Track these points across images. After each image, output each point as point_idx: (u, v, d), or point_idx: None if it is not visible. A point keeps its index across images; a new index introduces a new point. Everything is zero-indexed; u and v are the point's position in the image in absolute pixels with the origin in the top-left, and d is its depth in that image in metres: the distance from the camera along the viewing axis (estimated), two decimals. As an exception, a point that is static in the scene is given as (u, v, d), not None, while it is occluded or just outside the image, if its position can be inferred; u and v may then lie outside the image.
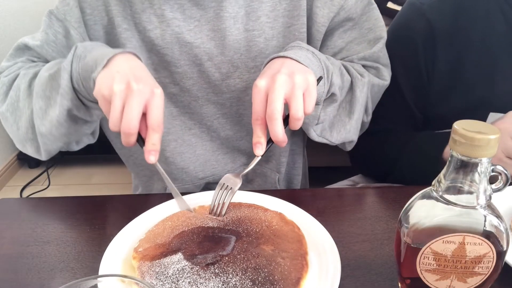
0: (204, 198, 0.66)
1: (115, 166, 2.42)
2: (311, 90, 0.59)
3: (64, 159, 2.43)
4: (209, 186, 0.86)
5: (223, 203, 0.61)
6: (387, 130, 0.88)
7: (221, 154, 0.85)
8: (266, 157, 0.86)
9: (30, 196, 2.16)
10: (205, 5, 0.74)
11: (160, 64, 0.77)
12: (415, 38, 0.83)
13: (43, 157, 0.75)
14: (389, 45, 0.82)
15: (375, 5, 0.80)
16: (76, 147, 0.77)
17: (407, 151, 0.84)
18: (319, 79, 0.65)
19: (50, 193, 2.21)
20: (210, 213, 0.61)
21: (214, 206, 0.61)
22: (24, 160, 2.44)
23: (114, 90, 0.56)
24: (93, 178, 2.36)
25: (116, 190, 2.19)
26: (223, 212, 0.60)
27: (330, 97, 0.72)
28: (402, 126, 0.89)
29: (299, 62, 0.63)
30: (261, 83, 0.58)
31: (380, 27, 0.81)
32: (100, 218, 0.66)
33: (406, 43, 0.85)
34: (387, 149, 0.88)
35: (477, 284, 0.44)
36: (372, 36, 0.81)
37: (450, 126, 0.40)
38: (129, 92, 0.55)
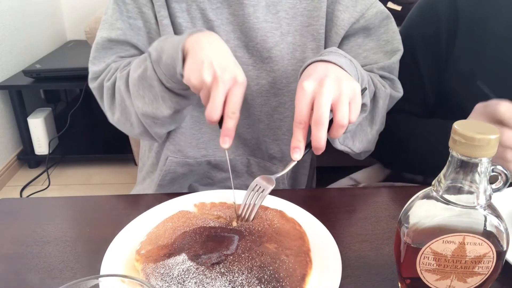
0: (205, 197, 0.66)
1: (115, 166, 2.42)
2: (357, 99, 0.59)
3: (64, 159, 2.43)
4: (208, 166, 0.87)
5: (253, 207, 0.60)
6: (397, 109, 0.87)
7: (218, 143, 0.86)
8: (272, 153, 0.86)
9: (30, 196, 2.16)
10: None
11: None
12: (440, 18, 0.83)
13: (159, 141, 0.83)
14: (412, 22, 0.83)
15: (393, 19, 0.82)
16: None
17: (415, 134, 0.83)
18: (363, 90, 0.65)
19: (50, 193, 2.21)
20: (237, 218, 0.60)
21: (243, 209, 0.60)
22: (24, 160, 2.44)
23: (205, 81, 0.60)
24: (93, 178, 2.36)
25: (116, 190, 2.19)
26: (251, 217, 0.60)
27: (361, 107, 0.72)
28: (414, 106, 0.88)
29: (342, 68, 0.63)
30: (308, 86, 0.57)
31: (397, 40, 0.82)
32: (100, 218, 0.66)
33: (430, 22, 0.85)
34: (396, 129, 0.86)
35: (477, 284, 0.44)
36: (389, 48, 0.82)
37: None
38: (215, 83, 0.59)
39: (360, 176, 1.01)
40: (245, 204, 0.60)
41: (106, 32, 0.78)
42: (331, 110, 0.57)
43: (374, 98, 0.77)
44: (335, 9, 0.78)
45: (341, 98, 0.56)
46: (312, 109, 0.57)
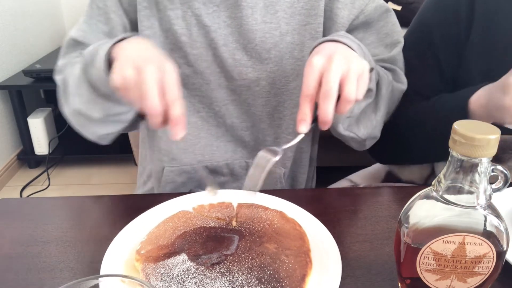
0: (204, 197, 0.66)
1: (115, 166, 2.42)
2: (365, 76, 0.59)
3: (64, 159, 2.43)
4: (205, 171, 0.86)
5: (258, 178, 0.56)
6: (410, 97, 0.85)
7: (223, 141, 0.85)
8: (277, 124, 0.86)
9: (30, 196, 2.16)
10: None
11: (177, 44, 0.78)
12: (460, 7, 0.81)
13: (103, 142, 0.78)
14: (428, 11, 0.83)
15: (393, 12, 0.82)
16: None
17: (431, 112, 0.81)
18: (370, 69, 0.65)
19: (50, 193, 2.21)
20: (244, 188, 0.57)
21: (248, 180, 0.57)
22: (24, 160, 2.44)
23: (126, 77, 0.56)
24: (93, 178, 2.36)
25: (116, 190, 2.19)
26: (257, 188, 0.56)
27: (367, 92, 0.71)
28: (430, 92, 0.85)
29: (352, 49, 0.63)
30: (317, 61, 0.57)
31: (397, 32, 0.82)
32: (100, 218, 0.66)
33: (448, 9, 0.83)
34: (410, 114, 0.85)
35: (477, 284, 0.44)
36: (389, 40, 0.82)
37: None
38: (140, 75, 0.55)
39: (358, 177, 1.01)
40: (250, 176, 0.57)
41: (74, 31, 0.79)
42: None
43: (377, 85, 0.77)
44: (334, 7, 0.78)
45: (349, 74, 0.57)
46: (320, 84, 0.56)
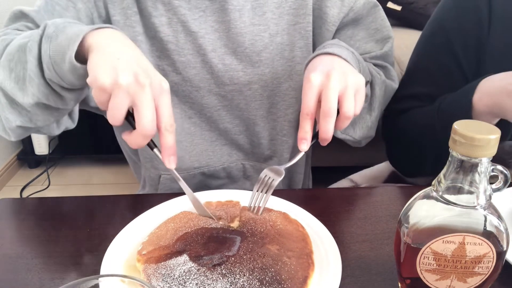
0: (207, 196, 0.66)
1: (115, 166, 2.42)
2: (361, 91, 0.60)
3: (64, 159, 2.43)
4: (203, 176, 0.86)
5: (263, 198, 0.60)
6: (423, 100, 0.84)
7: (218, 146, 0.84)
8: (268, 154, 0.86)
9: (30, 196, 2.16)
10: None
11: (164, 51, 0.76)
12: (481, 10, 0.80)
13: (12, 138, 0.68)
14: (445, 15, 0.82)
15: (381, 7, 0.81)
16: (56, 131, 0.72)
17: (438, 114, 0.79)
18: (366, 83, 0.66)
19: (50, 193, 2.21)
20: (248, 210, 0.61)
21: (253, 200, 0.60)
22: (24, 160, 2.44)
23: (121, 83, 0.49)
24: (93, 178, 2.36)
25: (116, 190, 2.19)
26: (261, 209, 0.60)
27: None
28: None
29: (347, 61, 0.64)
30: (315, 78, 0.58)
31: (387, 27, 0.82)
32: (100, 218, 0.66)
33: (469, 14, 0.82)
34: (419, 120, 0.83)
35: (477, 284, 0.44)
36: (379, 36, 0.82)
37: None
38: (139, 87, 0.50)
39: (359, 177, 1.01)
40: (255, 195, 0.60)
41: (23, 6, 0.70)
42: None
43: (371, 86, 0.77)
44: (323, 5, 0.77)
45: (347, 91, 0.57)
46: (319, 101, 0.57)
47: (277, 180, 0.60)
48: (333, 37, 0.80)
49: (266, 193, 0.60)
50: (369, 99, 0.77)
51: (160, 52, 0.76)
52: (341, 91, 0.57)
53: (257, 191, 0.60)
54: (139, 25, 0.74)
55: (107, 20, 0.74)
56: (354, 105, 0.58)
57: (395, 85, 0.83)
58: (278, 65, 0.79)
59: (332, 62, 0.62)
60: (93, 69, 0.51)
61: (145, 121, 0.50)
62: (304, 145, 0.58)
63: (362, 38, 0.81)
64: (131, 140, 0.53)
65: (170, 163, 0.55)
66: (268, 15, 0.77)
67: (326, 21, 0.78)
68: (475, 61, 0.81)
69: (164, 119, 0.53)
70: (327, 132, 0.56)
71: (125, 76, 0.50)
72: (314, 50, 0.79)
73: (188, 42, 0.75)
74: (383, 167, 1.03)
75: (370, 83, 0.77)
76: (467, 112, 0.69)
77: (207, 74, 0.78)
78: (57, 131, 0.73)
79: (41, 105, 0.60)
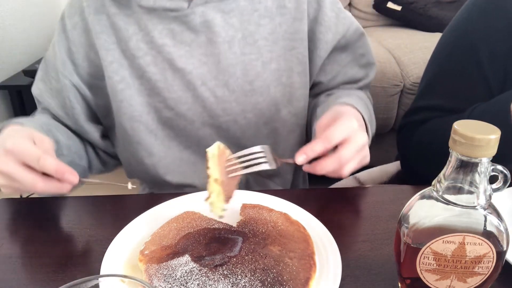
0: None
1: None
2: (365, 149, 0.63)
3: (64, 159, 2.42)
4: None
5: (237, 170, 0.58)
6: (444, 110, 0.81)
7: None
8: (271, 173, 0.85)
9: (30, 196, 2.15)
10: (196, 29, 0.72)
11: (153, 90, 0.75)
12: (509, 10, 0.77)
13: None
14: (470, 23, 0.79)
15: (367, 36, 0.83)
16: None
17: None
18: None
19: (50, 193, 2.20)
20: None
21: (232, 159, 0.59)
22: (24, 160, 2.44)
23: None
24: (93, 178, 2.35)
25: (116, 190, 2.18)
26: (231, 175, 0.58)
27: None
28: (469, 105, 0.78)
29: (364, 119, 0.68)
30: (353, 125, 0.60)
31: (371, 53, 0.84)
32: (100, 218, 0.66)
33: (498, 24, 0.77)
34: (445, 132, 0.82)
35: (477, 284, 0.44)
36: (364, 61, 0.83)
37: None
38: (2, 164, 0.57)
39: (365, 176, 1.01)
40: (238, 160, 0.59)
41: (33, 87, 0.81)
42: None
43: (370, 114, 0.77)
44: (317, 31, 0.76)
45: (356, 157, 0.61)
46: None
47: (262, 167, 0.59)
48: (324, 63, 0.80)
49: (245, 167, 0.58)
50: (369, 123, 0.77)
51: (150, 90, 0.76)
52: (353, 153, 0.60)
53: (242, 161, 0.59)
54: (123, 67, 0.74)
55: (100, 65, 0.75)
56: (354, 167, 0.61)
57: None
58: (276, 91, 0.77)
59: (356, 118, 0.64)
60: None
61: (27, 184, 0.57)
62: (301, 158, 0.58)
63: (348, 63, 0.81)
64: (56, 192, 0.59)
65: (71, 180, 0.58)
66: (261, 42, 0.74)
67: (318, 47, 0.77)
68: (502, 72, 0.78)
69: (28, 158, 0.57)
70: (320, 172, 0.59)
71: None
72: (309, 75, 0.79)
73: (176, 78, 0.74)
74: (390, 167, 1.03)
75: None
76: (503, 121, 0.65)
77: (199, 108, 0.76)
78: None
79: None
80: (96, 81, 0.78)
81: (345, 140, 0.59)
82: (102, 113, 0.82)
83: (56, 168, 0.57)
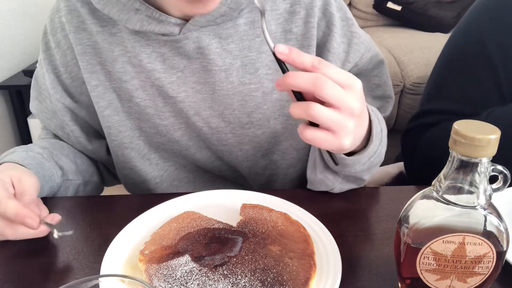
0: (206, 197, 0.66)
1: (115, 166, 2.41)
2: (365, 120, 0.54)
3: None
4: None
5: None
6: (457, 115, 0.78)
7: (220, 184, 0.81)
8: (271, 179, 0.81)
9: (30, 196, 2.15)
10: (189, 56, 0.65)
11: (143, 115, 0.70)
12: None
13: None
14: (480, 23, 0.76)
15: (387, 65, 0.76)
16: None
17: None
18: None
19: (50, 193, 2.20)
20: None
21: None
22: (24, 160, 2.44)
23: None
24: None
25: (116, 190, 2.18)
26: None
27: (357, 181, 0.67)
28: (483, 111, 0.75)
29: (371, 133, 0.59)
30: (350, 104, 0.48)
31: (389, 86, 0.76)
32: (100, 218, 0.66)
33: (507, 19, 0.75)
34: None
35: (477, 284, 0.44)
36: (379, 92, 0.76)
37: None
38: None
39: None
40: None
41: (31, 106, 0.78)
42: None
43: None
44: (324, 58, 0.68)
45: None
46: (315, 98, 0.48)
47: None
48: None
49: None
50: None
51: (139, 114, 0.71)
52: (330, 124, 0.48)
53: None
54: (109, 91, 0.69)
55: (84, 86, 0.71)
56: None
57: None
58: (277, 123, 0.71)
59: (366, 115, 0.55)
60: None
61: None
62: (282, 48, 0.47)
63: None
64: (28, 237, 0.57)
65: (32, 225, 0.54)
66: (262, 71, 0.68)
67: None
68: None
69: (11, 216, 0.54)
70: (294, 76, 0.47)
71: None
72: None
73: (167, 105, 0.69)
74: (391, 168, 1.02)
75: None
76: None
77: (193, 134, 0.72)
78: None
79: None
80: (90, 100, 0.72)
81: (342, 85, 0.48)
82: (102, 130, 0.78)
83: (16, 212, 0.54)
